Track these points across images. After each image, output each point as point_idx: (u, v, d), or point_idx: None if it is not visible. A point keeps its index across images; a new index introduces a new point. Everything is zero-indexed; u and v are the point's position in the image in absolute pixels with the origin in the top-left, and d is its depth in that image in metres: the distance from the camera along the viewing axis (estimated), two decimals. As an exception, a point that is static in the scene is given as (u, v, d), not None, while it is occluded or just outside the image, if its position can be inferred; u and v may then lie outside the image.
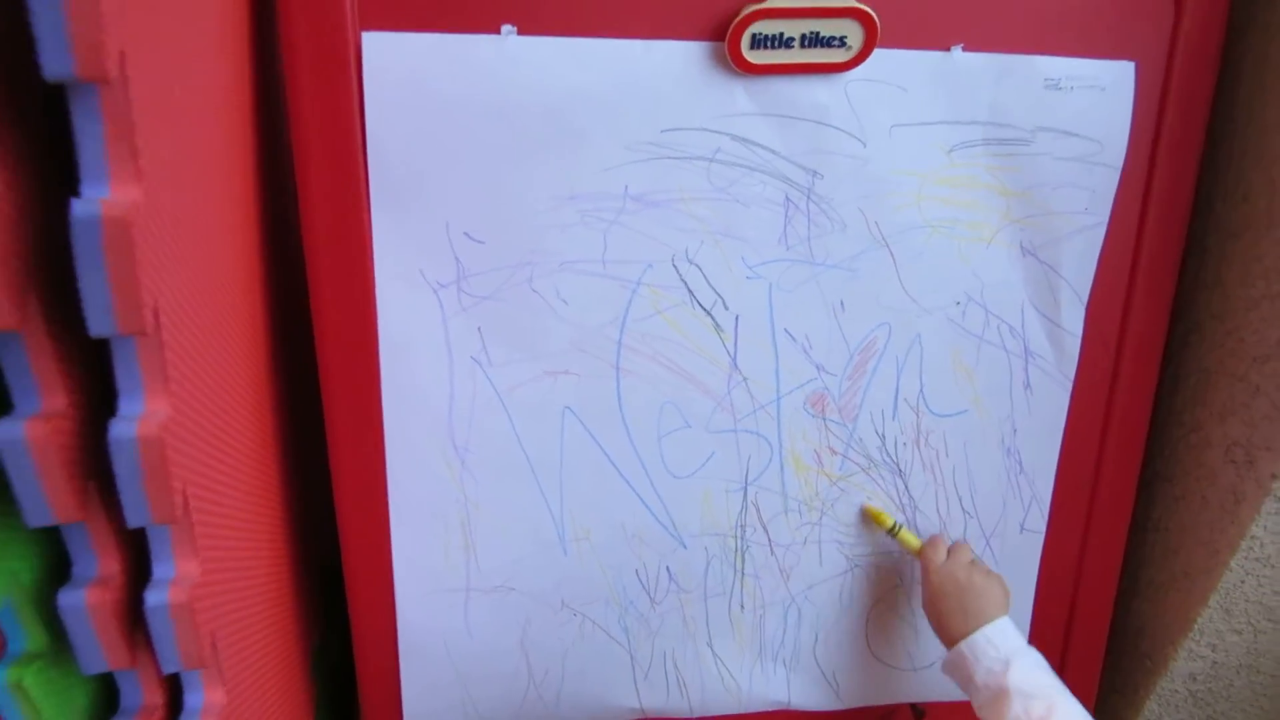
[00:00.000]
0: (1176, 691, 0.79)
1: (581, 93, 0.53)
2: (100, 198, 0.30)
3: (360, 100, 0.51)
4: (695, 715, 0.71)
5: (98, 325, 0.31)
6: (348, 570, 0.61)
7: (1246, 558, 0.69)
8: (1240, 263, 0.65)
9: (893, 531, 0.67)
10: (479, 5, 0.51)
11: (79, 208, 0.29)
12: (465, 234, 0.55)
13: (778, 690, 0.72)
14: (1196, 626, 0.74)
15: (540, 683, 0.67)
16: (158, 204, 0.34)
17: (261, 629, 0.52)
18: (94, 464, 0.33)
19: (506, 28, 0.51)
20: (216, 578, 0.42)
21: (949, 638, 0.62)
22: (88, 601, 0.34)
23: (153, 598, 0.36)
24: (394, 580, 0.62)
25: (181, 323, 0.37)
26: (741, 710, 0.72)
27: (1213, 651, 0.76)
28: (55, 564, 0.35)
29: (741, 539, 0.67)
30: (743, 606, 0.69)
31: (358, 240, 0.54)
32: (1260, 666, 0.78)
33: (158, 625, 0.36)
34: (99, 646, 0.34)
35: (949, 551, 0.66)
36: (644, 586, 0.66)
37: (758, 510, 0.66)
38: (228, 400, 0.45)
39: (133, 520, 0.34)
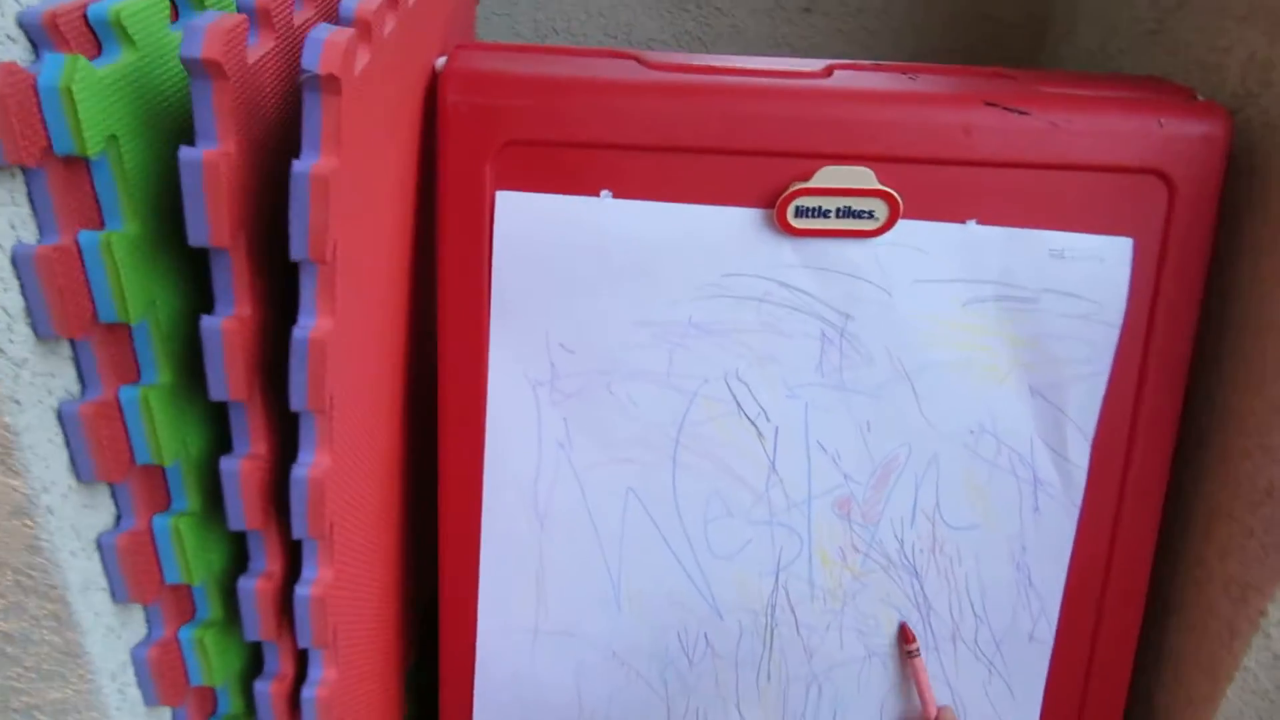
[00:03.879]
0: (1188, 816, 0.83)
1: (659, 242, 0.68)
2: (310, 326, 0.46)
3: (490, 239, 0.67)
4: (722, 771, 0.82)
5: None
6: (443, 603, 0.76)
7: (1243, 689, 0.75)
8: (1235, 417, 0.73)
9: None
10: (585, 174, 0.66)
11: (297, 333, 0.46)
12: (560, 344, 0.70)
13: (798, 758, 0.81)
14: (1202, 752, 0.79)
15: (589, 718, 0.79)
16: (345, 328, 0.50)
17: (370, 624, 0.67)
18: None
19: (605, 192, 0.66)
20: (345, 575, 0.57)
21: None
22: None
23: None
24: (478, 615, 0.76)
25: (349, 400, 0.53)
26: (764, 773, 0.82)
27: (1220, 780, 0.80)
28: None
29: (771, 617, 0.77)
30: (769, 677, 0.79)
31: (478, 345, 0.69)
32: (1270, 800, 0.81)
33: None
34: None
35: None
36: (683, 648, 0.78)
37: (787, 594, 0.77)
38: (372, 436, 0.61)
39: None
